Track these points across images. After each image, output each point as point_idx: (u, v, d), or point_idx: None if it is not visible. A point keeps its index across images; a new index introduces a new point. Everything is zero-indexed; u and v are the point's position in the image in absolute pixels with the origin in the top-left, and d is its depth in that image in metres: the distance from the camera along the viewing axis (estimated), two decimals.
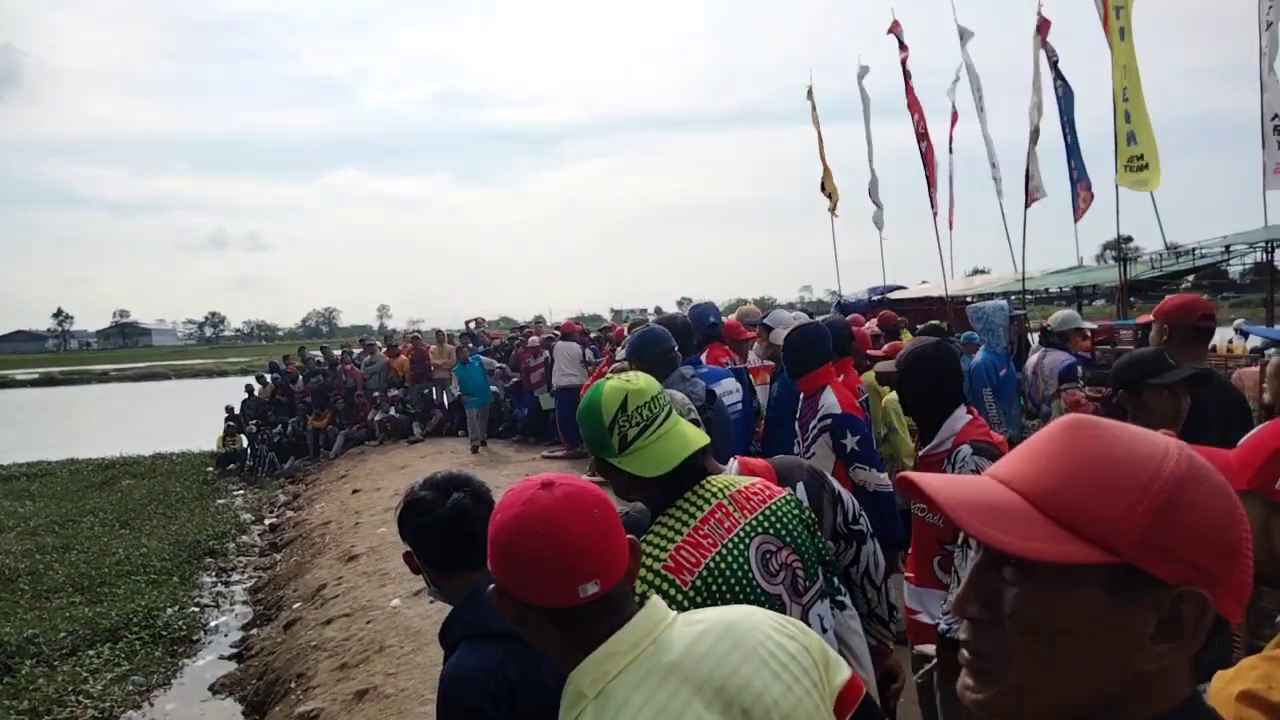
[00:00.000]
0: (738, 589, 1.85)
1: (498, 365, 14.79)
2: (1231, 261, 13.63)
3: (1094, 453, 0.82)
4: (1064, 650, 0.81)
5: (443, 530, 1.95)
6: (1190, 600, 0.79)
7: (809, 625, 1.90)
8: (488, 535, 1.98)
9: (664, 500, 1.93)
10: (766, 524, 1.95)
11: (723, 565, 1.85)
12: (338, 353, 18.56)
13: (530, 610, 1.26)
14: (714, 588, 1.83)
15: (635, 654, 1.23)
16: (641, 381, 1.94)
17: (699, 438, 1.94)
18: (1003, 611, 0.83)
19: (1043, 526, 0.80)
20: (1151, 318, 4.18)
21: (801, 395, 3.99)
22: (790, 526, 1.99)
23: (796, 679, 1.28)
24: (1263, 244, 11.78)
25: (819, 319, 4.94)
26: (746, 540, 1.90)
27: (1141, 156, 11.31)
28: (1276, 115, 10.39)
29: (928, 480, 0.87)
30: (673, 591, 1.78)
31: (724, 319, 5.87)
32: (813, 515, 2.10)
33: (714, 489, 1.95)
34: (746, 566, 1.88)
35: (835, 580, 2.17)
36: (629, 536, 1.31)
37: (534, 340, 13.91)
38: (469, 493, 2.00)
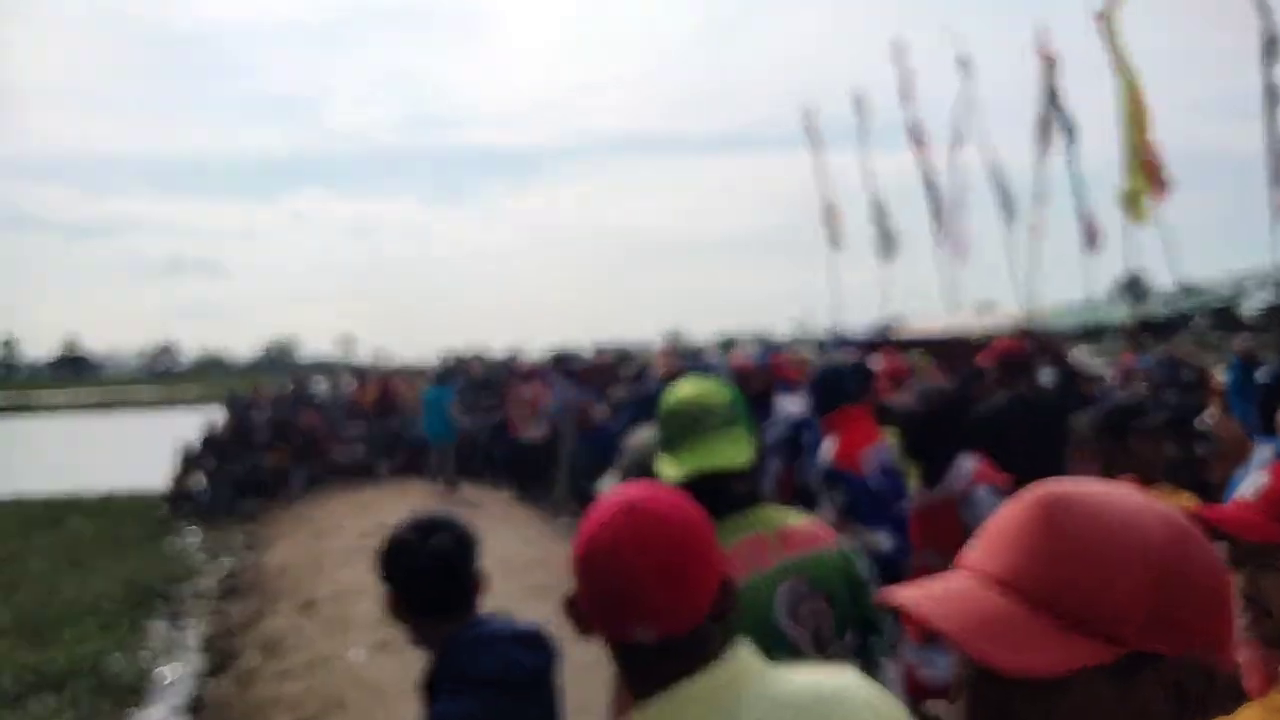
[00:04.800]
0: (751, 622, 1.86)
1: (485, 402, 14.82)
2: (1242, 300, 13.85)
3: (1080, 534, 0.80)
4: None
5: (428, 572, 1.94)
6: (1194, 668, 0.78)
7: None
8: (473, 578, 2.00)
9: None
10: (804, 567, 2.00)
11: (744, 596, 1.86)
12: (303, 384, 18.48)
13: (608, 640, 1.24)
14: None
15: (710, 704, 1.16)
16: (699, 387, 2.04)
17: (729, 458, 1.97)
18: None
19: (1045, 629, 0.78)
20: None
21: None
22: (830, 578, 2.04)
23: None
24: (1274, 282, 11.99)
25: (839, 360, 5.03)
26: (777, 579, 1.94)
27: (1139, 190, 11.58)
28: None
29: (914, 602, 0.84)
30: None
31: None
32: (861, 578, 2.12)
33: (755, 519, 1.99)
34: (769, 604, 1.94)
35: (873, 644, 2.15)
36: (725, 575, 1.26)
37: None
38: (453, 535, 2.00)
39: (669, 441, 2.02)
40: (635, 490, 1.26)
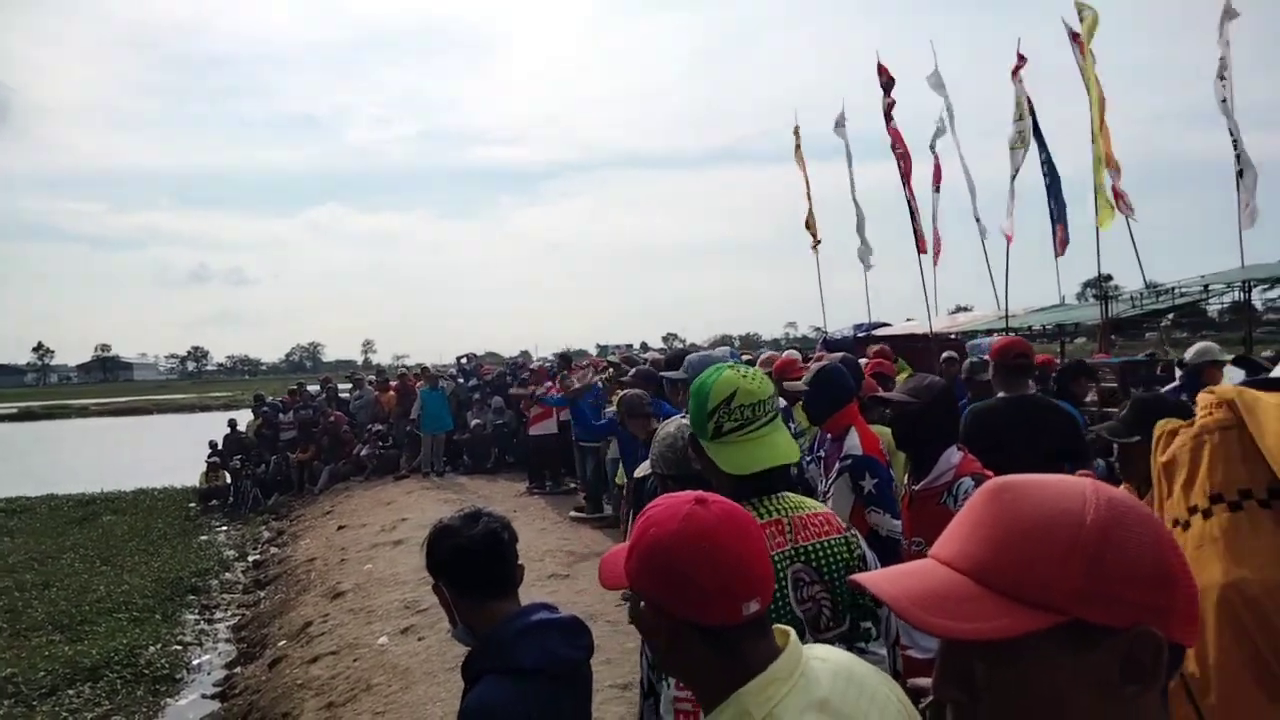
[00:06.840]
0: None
1: (495, 401, 14.83)
2: (1210, 300, 13.88)
3: (1018, 516, 0.84)
4: (1044, 713, 0.82)
5: (479, 550, 1.96)
6: (1143, 639, 0.80)
7: None
8: (515, 562, 2.02)
9: (730, 496, 1.94)
10: (810, 555, 1.99)
11: None
12: (330, 387, 18.52)
13: (685, 628, 1.22)
14: None
15: (793, 683, 1.21)
16: (756, 382, 1.99)
17: (788, 454, 1.98)
18: (978, 689, 0.84)
19: (986, 602, 0.81)
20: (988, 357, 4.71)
21: (828, 436, 3.91)
22: (833, 566, 2.01)
23: None
24: (1240, 283, 12.02)
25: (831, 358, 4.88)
26: (787, 563, 1.94)
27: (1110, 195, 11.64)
28: (1238, 146, 10.67)
29: (871, 579, 0.91)
30: None
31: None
32: (863, 564, 2.08)
33: (777, 505, 1.97)
34: (784, 585, 1.92)
35: (870, 629, 2.12)
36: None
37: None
38: (496, 520, 2.04)
39: (721, 432, 1.93)
40: (679, 494, 1.28)
